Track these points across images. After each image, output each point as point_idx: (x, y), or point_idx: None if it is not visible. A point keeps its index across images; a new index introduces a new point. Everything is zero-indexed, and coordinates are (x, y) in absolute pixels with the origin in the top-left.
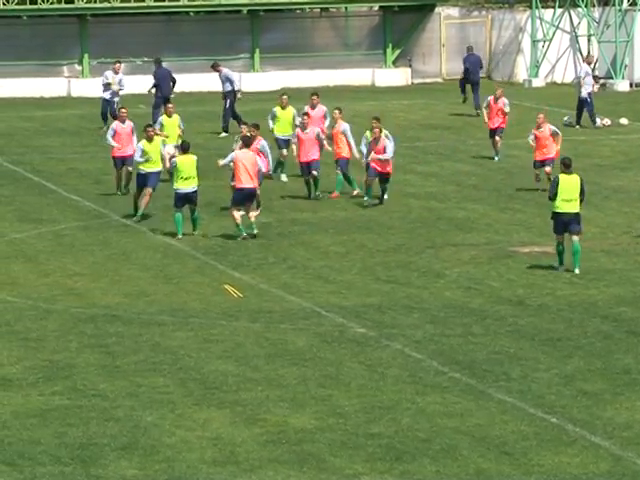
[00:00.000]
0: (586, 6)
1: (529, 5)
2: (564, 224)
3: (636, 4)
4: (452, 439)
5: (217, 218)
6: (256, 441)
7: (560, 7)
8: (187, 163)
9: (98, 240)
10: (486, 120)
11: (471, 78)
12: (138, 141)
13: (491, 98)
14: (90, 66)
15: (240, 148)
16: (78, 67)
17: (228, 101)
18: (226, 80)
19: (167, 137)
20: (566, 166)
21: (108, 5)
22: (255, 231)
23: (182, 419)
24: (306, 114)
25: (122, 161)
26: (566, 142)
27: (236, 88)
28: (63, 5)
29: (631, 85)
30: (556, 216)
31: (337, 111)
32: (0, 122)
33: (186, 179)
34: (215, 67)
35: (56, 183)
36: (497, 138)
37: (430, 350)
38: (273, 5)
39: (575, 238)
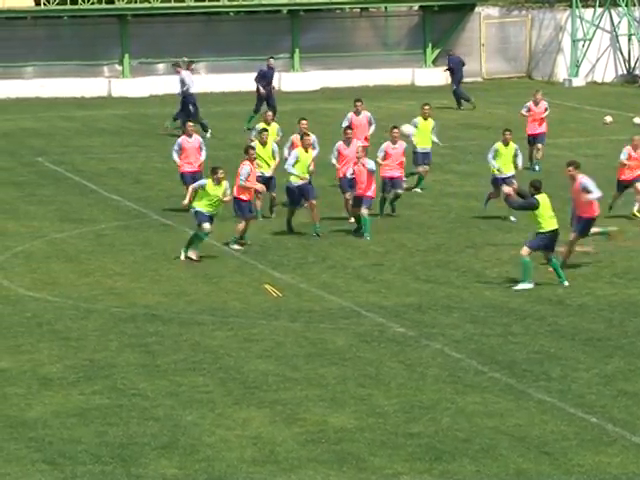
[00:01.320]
0: (626, 5)
1: (569, 4)
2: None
3: None
4: (492, 439)
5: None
6: (296, 440)
7: (600, 6)
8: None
9: (138, 240)
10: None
11: (457, 76)
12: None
13: (530, 103)
14: (130, 66)
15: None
16: (118, 67)
17: (187, 104)
18: (184, 82)
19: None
20: (536, 189)
21: (148, 5)
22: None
23: (222, 418)
24: (349, 127)
25: (192, 177)
26: (606, 142)
27: (190, 91)
28: (103, 5)
29: None
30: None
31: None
32: (41, 122)
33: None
34: (176, 68)
35: (96, 183)
36: (539, 146)
37: (470, 350)
38: (313, 5)
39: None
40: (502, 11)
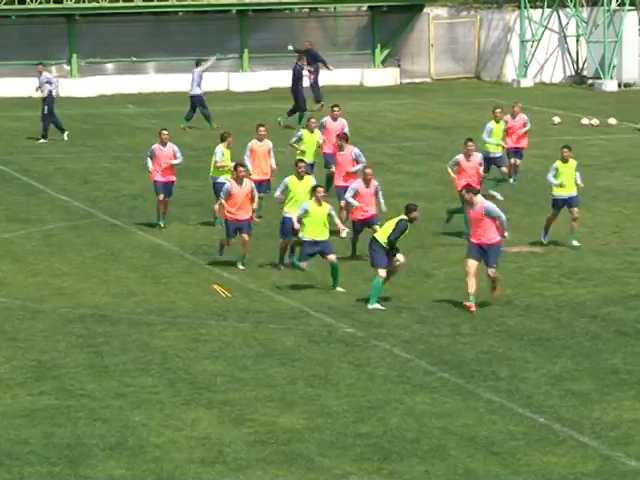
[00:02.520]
0: (575, 6)
1: (518, 5)
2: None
3: (624, 4)
4: (440, 439)
5: (206, 219)
6: (244, 441)
7: (549, 7)
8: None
9: (86, 240)
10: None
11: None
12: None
13: (508, 117)
14: (79, 66)
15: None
16: (67, 67)
17: (46, 106)
18: (45, 83)
19: (303, 152)
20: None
21: (97, 5)
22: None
23: (170, 419)
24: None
25: (163, 187)
26: (554, 143)
27: (54, 93)
28: (51, 5)
29: (619, 85)
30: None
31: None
32: None
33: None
34: (38, 68)
35: (44, 183)
36: (519, 161)
37: (418, 350)
38: (262, 5)
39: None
40: (451, 12)
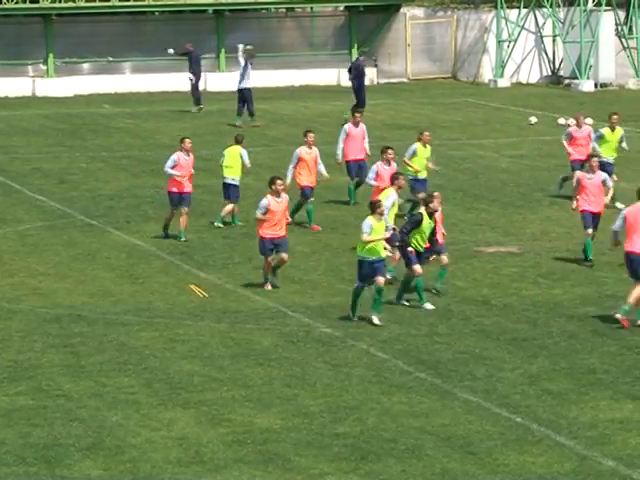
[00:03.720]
0: (551, 6)
1: (494, 5)
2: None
3: (601, 4)
4: (417, 439)
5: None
6: (221, 441)
7: (525, 7)
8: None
9: (63, 240)
10: (569, 151)
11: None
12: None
13: (572, 129)
14: (55, 66)
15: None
16: (43, 67)
17: None
18: None
19: (418, 171)
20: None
21: (73, 5)
22: None
23: (147, 419)
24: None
25: (179, 198)
26: (531, 143)
27: None
28: (28, 5)
29: (596, 85)
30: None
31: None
32: None
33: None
34: None
35: (20, 183)
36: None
37: (395, 350)
38: (238, 5)
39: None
40: (427, 12)
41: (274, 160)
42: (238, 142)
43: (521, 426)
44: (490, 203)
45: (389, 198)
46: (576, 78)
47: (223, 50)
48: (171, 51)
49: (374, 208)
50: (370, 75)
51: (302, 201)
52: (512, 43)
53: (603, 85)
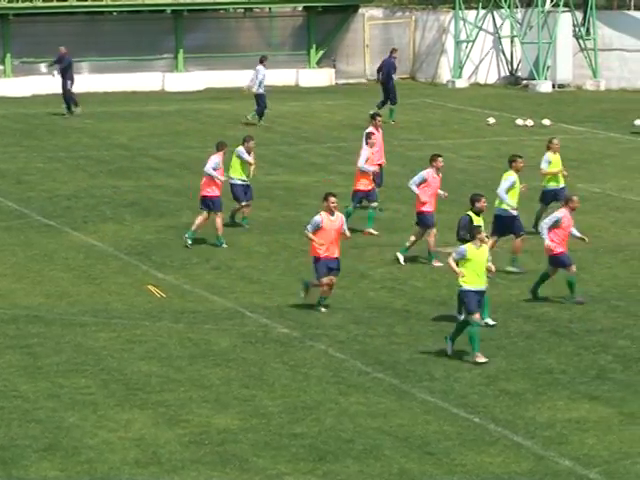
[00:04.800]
0: (509, 7)
1: (452, 6)
2: None
3: (558, 5)
4: (375, 439)
5: (141, 219)
6: (179, 442)
7: (483, 8)
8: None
9: (20, 240)
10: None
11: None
12: None
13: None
14: (12, 65)
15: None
16: (0, 66)
17: None
18: None
19: (553, 175)
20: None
21: (30, 5)
22: None
23: (104, 420)
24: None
25: (213, 202)
26: (489, 143)
27: None
28: None
29: (553, 86)
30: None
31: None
32: None
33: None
34: None
35: None
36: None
37: (354, 350)
38: (197, 5)
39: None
40: (386, 12)
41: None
42: (244, 142)
43: (479, 426)
44: (449, 204)
45: (509, 179)
46: (534, 79)
47: (181, 50)
48: (55, 73)
49: (474, 234)
50: (328, 75)
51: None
52: (470, 44)
53: (561, 86)
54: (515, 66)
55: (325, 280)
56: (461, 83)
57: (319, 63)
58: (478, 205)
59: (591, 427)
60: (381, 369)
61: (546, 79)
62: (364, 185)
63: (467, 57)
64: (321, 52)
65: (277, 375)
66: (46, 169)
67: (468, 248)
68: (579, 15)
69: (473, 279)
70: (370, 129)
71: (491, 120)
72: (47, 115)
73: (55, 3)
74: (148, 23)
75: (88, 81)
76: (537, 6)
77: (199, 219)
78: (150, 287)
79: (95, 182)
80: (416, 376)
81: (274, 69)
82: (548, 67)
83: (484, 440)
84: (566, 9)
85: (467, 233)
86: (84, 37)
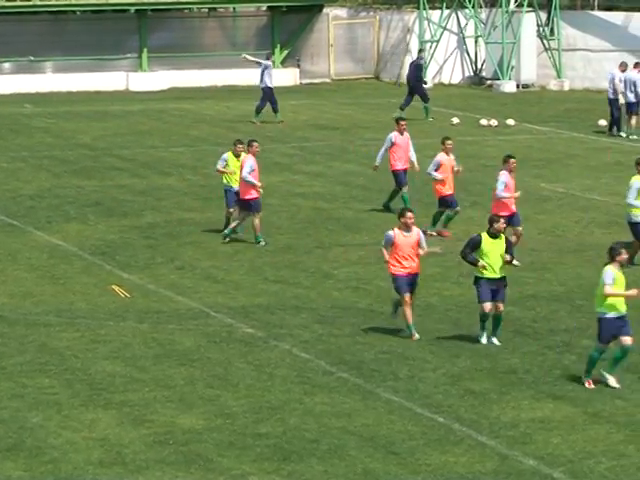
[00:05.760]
0: (473, 7)
1: (417, 6)
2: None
3: (522, 5)
4: (340, 439)
5: (105, 219)
6: (143, 442)
7: (447, 8)
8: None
9: None
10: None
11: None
12: None
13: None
14: None
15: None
16: None
17: None
18: None
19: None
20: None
21: None
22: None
23: (68, 420)
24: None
25: (249, 204)
26: (453, 143)
27: None
28: None
29: (518, 86)
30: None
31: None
32: None
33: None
34: None
35: None
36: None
37: (318, 350)
38: (161, 5)
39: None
40: (350, 12)
41: (196, 160)
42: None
43: (443, 426)
44: (412, 203)
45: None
46: (498, 79)
47: (145, 50)
48: None
49: (613, 255)
50: (292, 75)
51: (397, 189)
52: (434, 44)
53: (525, 86)
54: (479, 66)
55: (406, 298)
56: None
57: (283, 63)
58: (496, 226)
59: (555, 427)
60: (346, 369)
61: (510, 79)
62: (445, 190)
63: (431, 57)
64: (285, 52)
65: (241, 375)
66: (9, 169)
67: (613, 271)
68: (543, 15)
69: (613, 305)
70: (394, 134)
71: (455, 120)
72: (10, 115)
73: (19, 2)
74: (112, 23)
75: (52, 81)
76: (501, 6)
77: (234, 222)
78: (114, 287)
79: (59, 182)
80: (380, 376)
81: (238, 69)
82: (512, 67)
83: (448, 440)
84: (530, 9)
85: (471, 253)
86: (48, 37)
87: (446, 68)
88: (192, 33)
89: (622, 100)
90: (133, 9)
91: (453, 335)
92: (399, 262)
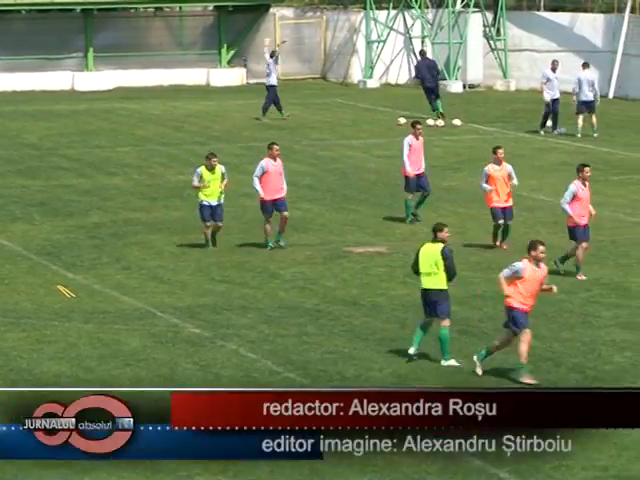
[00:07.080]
0: (420, 7)
1: (363, 6)
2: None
3: (469, 6)
4: None
5: (50, 219)
6: None
7: (394, 8)
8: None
9: None
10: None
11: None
12: None
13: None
14: None
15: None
16: None
17: None
18: None
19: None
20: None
21: None
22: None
23: None
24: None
25: (273, 206)
26: (399, 143)
27: None
28: None
29: (464, 86)
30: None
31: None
32: None
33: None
34: None
35: None
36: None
37: (265, 350)
38: (106, 4)
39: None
40: (297, 12)
41: (142, 160)
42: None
43: None
44: (359, 203)
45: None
46: (444, 79)
47: (91, 49)
48: None
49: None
50: (239, 75)
51: (424, 194)
52: (381, 44)
53: (471, 86)
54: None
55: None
56: (372, 83)
57: (230, 63)
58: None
59: None
60: (292, 369)
61: (457, 79)
62: (496, 202)
63: (378, 57)
64: (232, 52)
65: (188, 375)
66: None
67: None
68: (489, 15)
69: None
70: (410, 137)
71: (402, 120)
72: None
73: None
74: (58, 22)
75: None
76: (448, 6)
77: (268, 228)
78: (60, 287)
79: (4, 182)
80: (327, 376)
81: (185, 68)
82: (459, 67)
83: None
84: (476, 9)
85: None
86: None
87: (393, 68)
88: (138, 33)
89: (575, 100)
90: (79, 8)
91: (400, 335)
92: (524, 297)
